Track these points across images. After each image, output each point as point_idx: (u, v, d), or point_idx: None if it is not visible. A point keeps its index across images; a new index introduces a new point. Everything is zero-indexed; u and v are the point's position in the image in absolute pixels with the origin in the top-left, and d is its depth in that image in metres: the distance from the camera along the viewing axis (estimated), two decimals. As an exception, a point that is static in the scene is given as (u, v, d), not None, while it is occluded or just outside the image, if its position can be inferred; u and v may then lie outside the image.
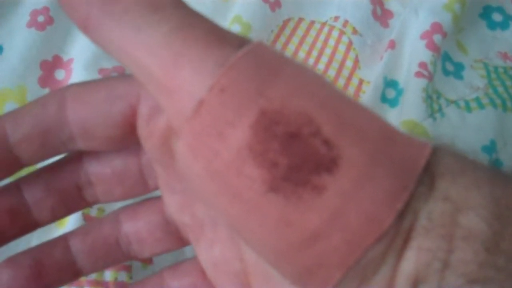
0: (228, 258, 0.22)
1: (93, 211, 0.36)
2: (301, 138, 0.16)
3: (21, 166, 0.22)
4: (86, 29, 0.18)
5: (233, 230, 0.18)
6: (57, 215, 0.25)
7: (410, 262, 0.16)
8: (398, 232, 0.16)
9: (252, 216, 0.16)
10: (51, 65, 0.44)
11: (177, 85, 0.17)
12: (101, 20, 0.18)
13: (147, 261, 0.36)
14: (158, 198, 0.25)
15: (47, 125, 0.22)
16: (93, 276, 0.35)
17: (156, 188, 0.25)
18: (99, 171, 0.24)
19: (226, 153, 0.16)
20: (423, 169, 0.16)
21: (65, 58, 0.45)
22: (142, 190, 0.25)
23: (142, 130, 0.21)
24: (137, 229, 0.25)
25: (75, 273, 0.25)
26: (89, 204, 0.25)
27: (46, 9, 0.46)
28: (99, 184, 0.24)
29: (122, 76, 0.22)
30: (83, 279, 0.34)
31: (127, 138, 0.22)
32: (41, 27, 0.45)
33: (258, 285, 0.21)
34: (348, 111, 0.17)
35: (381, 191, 0.16)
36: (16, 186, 0.24)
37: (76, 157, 0.24)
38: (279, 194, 0.16)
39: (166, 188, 0.24)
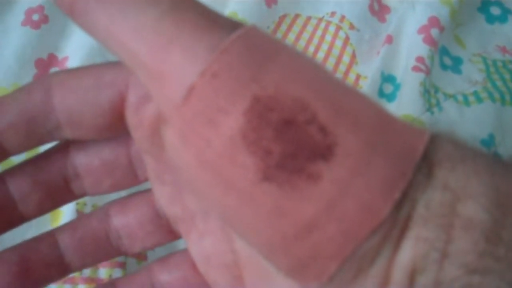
0: (220, 250, 0.22)
1: (88, 208, 0.36)
2: (296, 125, 0.16)
3: (6, 155, 0.22)
4: (72, 14, 0.18)
5: (225, 221, 0.18)
6: (44, 209, 0.24)
7: (407, 252, 0.16)
8: (395, 222, 0.16)
9: (245, 206, 0.16)
10: (46, 64, 0.44)
11: (166, 71, 0.17)
12: (88, 4, 0.17)
13: (142, 258, 0.36)
14: (149, 190, 0.24)
15: (33, 112, 0.21)
16: (87, 273, 0.34)
17: (146, 179, 0.24)
18: (87, 163, 0.23)
19: (218, 141, 0.16)
20: (421, 157, 0.16)
21: (60, 56, 0.44)
22: (131, 182, 0.24)
23: (131, 119, 0.21)
24: (127, 223, 0.24)
25: (64, 269, 0.24)
26: (76, 197, 0.24)
27: (41, 8, 0.46)
28: (87, 176, 0.24)
29: (110, 63, 0.21)
30: (77, 276, 0.34)
31: (115, 127, 0.21)
32: (36, 25, 0.45)
33: (250, 278, 0.21)
34: (344, 97, 0.16)
35: (378, 179, 0.15)
36: (1, 179, 0.23)
37: (63, 149, 0.24)
38: (273, 183, 0.15)
39: (156, 179, 0.23)
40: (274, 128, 0.16)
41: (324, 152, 0.15)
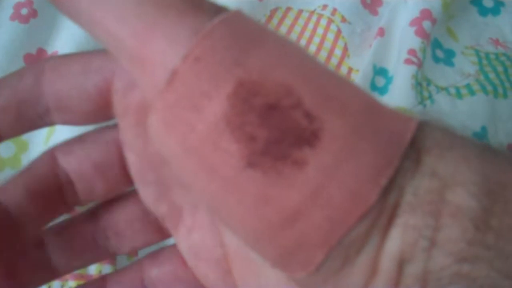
0: (208, 244, 0.21)
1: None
2: (280, 110, 0.15)
3: None
4: (56, 1, 0.18)
5: (211, 210, 0.18)
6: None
7: (395, 240, 0.15)
8: (382, 209, 0.15)
9: (230, 193, 0.16)
10: (35, 58, 0.43)
11: (149, 56, 0.16)
12: None
13: (132, 253, 0.36)
14: (135, 190, 0.24)
15: (23, 96, 0.21)
16: (77, 269, 0.34)
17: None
18: (78, 168, 0.23)
19: (202, 127, 0.15)
20: (409, 143, 0.16)
21: (49, 50, 0.44)
22: (125, 184, 0.24)
23: (118, 105, 0.21)
24: (115, 222, 0.24)
25: (51, 272, 0.24)
26: (70, 207, 0.24)
27: (29, 2, 0.45)
28: (80, 182, 0.23)
29: (100, 50, 0.21)
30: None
31: (102, 113, 0.22)
32: (24, 20, 0.44)
33: (239, 271, 0.20)
34: (330, 83, 0.16)
35: (365, 165, 0.15)
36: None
37: (52, 156, 0.23)
38: (258, 169, 0.15)
39: (139, 179, 0.23)
40: (258, 113, 0.15)
41: (309, 137, 0.15)
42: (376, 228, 0.15)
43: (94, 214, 0.25)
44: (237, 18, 0.17)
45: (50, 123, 0.22)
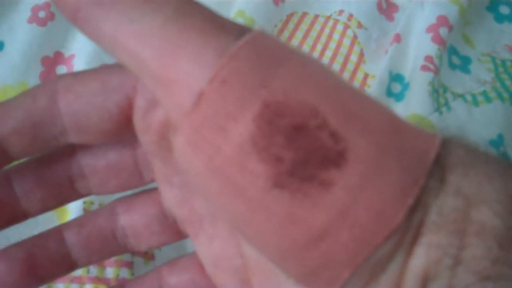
0: (228, 254, 0.22)
1: (95, 207, 0.36)
2: (306, 131, 0.15)
3: (10, 160, 0.21)
4: (76, 21, 0.18)
5: (235, 227, 0.18)
6: (48, 206, 0.24)
7: (419, 259, 0.15)
8: (408, 229, 0.15)
9: (256, 214, 0.16)
10: (52, 61, 0.43)
11: (175, 77, 0.16)
12: (92, 11, 0.17)
13: (149, 257, 0.36)
14: (155, 189, 0.24)
15: (38, 118, 0.21)
16: (94, 272, 0.34)
17: (152, 180, 0.24)
18: (93, 163, 0.23)
19: (228, 148, 0.16)
20: (433, 162, 0.16)
21: (67, 54, 0.44)
22: (137, 183, 0.24)
23: (139, 124, 0.21)
24: (133, 221, 0.24)
25: (70, 266, 0.24)
26: (81, 196, 0.24)
27: (47, 5, 0.45)
28: (93, 176, 0.24)
29: (118, 66, 0.21)
30: (84, 275, 0.34)
31: (122, 132, 0.21)
32: (42, 22, 0.44)
33: (258, 282, 0.21)
34: (354, 102, 0.16)
35: (391, 185, 0.15)
36: (6, 176, 0.23)
37: (69, 149, 0.24)
38: (285, 190, 0.15)
39: (163, 181, 0.23)
40: (284, 134, 0.15)
41: (335, 158, 0.15)
42: (401, 247, 0.15)
43: (114, 212, 0.25)
44: (261, 38, 0.17)
45: (65, 143, 0.22)
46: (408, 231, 0.15)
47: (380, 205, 0.15)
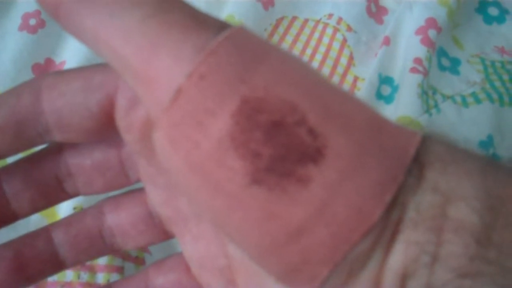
0: (213, 254, 0.22)
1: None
2: (285, 127, 0.15)
3: None
4: (57, 17, 0.18)
5: (215, 224, 0.18)
6: (37, 207, 0.24)
7: (398, 256, 0.15)
8: (386, 226, 0.15)
9: (234, 210, 0.16)
10: (43, 68, 0.44)
11: (154, 73, 0.16)
12: (73, 6, 0.17)
13: (140, 262, 0.36)
14: (142, 189, 0.24)
15: (22, 116, 0.21)
16: (85, 278, 0.34)
17: (138, 180, 0.24)
18: (79, 162, 0.23)
19: (207, 144, 0.16)
20: (412, 158, 0.16)
21: (57, 60, 0.44)
22: (123, 183, 0.24)
23: (121, 122, 0.21)
24: (120, 221, 0.24)
25: (58, 265, 0.24)
26: (69, 196, 0.24)
27: (37, 12, 0.46)
28: (79, 175, 0.24)
29: (100, 65, 0.21)
30: (74, 281, 0.34)
31: (105, 130, 0.21)
32: (33, 30, 0.44)
33: (243, 282, 0.21)
34: (334, 99, 0.16)
35: (369, 182, 0.15)
36: None
37: (56, 148, 0.24)
38: (263, 186, 0.15)
39: (148, 181, 0.23)
40: (263, 130, 0.15)
41: (314, 154, 0.15)
42: (379, 244, 0.15)
43: (101, 211, 0.25)
44: (241, 34, 0.17)
45: (50, 141, 0.22)
46: (386, 228, 0.15)
47: (358, 202, 0.15)
